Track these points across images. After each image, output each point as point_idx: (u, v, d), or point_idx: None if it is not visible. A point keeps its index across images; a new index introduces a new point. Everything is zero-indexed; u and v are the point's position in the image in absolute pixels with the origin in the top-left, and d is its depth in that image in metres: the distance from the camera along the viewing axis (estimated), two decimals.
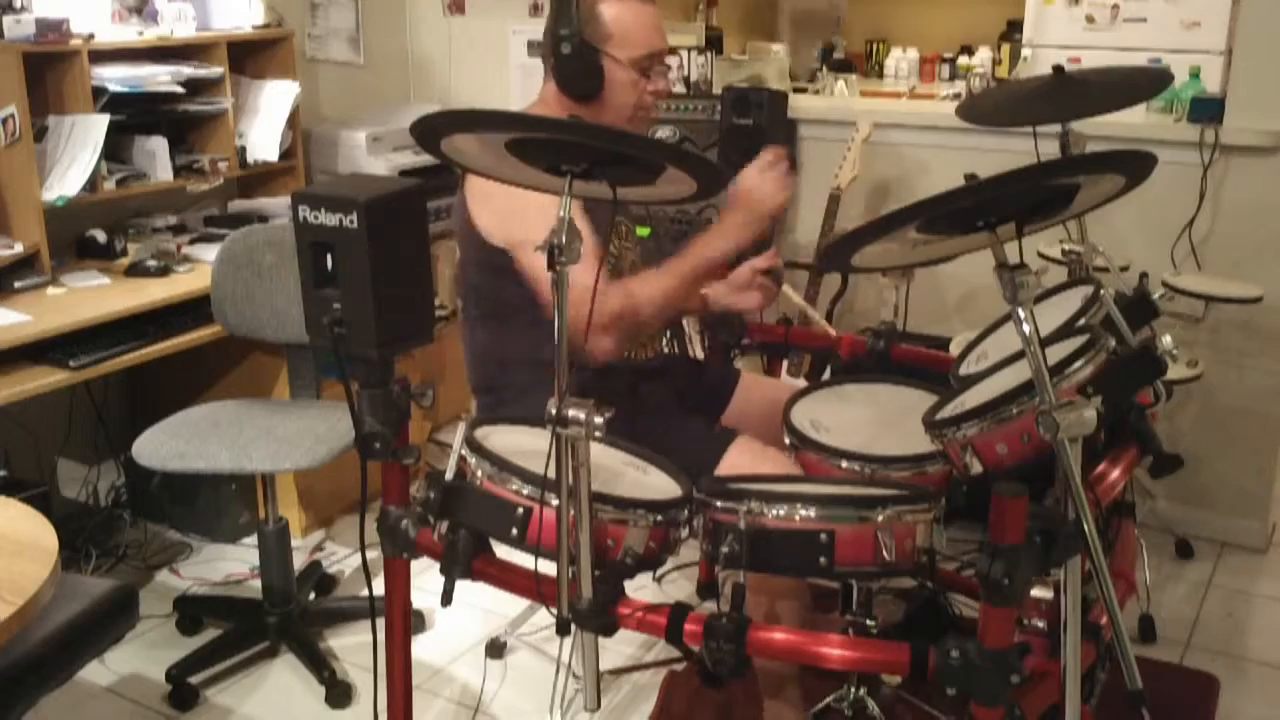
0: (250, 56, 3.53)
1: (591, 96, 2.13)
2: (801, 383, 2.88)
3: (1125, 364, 1.81)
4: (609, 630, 1.62)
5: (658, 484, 1.79)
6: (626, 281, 2.08)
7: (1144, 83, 2.50)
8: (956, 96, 4.85)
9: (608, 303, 1.97)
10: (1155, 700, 1.59)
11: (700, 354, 3.03)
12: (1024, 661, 1.50)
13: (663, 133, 3.57)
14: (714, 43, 4.33)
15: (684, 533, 1.72)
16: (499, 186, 1.92)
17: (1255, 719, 2.56)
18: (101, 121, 2.97)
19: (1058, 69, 2.36)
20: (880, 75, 6.12)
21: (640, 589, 2.51)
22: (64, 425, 3.28)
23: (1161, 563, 3.19)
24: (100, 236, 3.19)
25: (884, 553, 1.60)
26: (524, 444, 1.76)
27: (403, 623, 1.97)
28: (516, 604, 2.79)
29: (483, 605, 2.93)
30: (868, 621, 1.89)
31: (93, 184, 2.98)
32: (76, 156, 2.97)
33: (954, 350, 2.61)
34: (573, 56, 2.09)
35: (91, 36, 3.00)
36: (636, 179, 1.60)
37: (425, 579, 2.28)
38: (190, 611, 2.90)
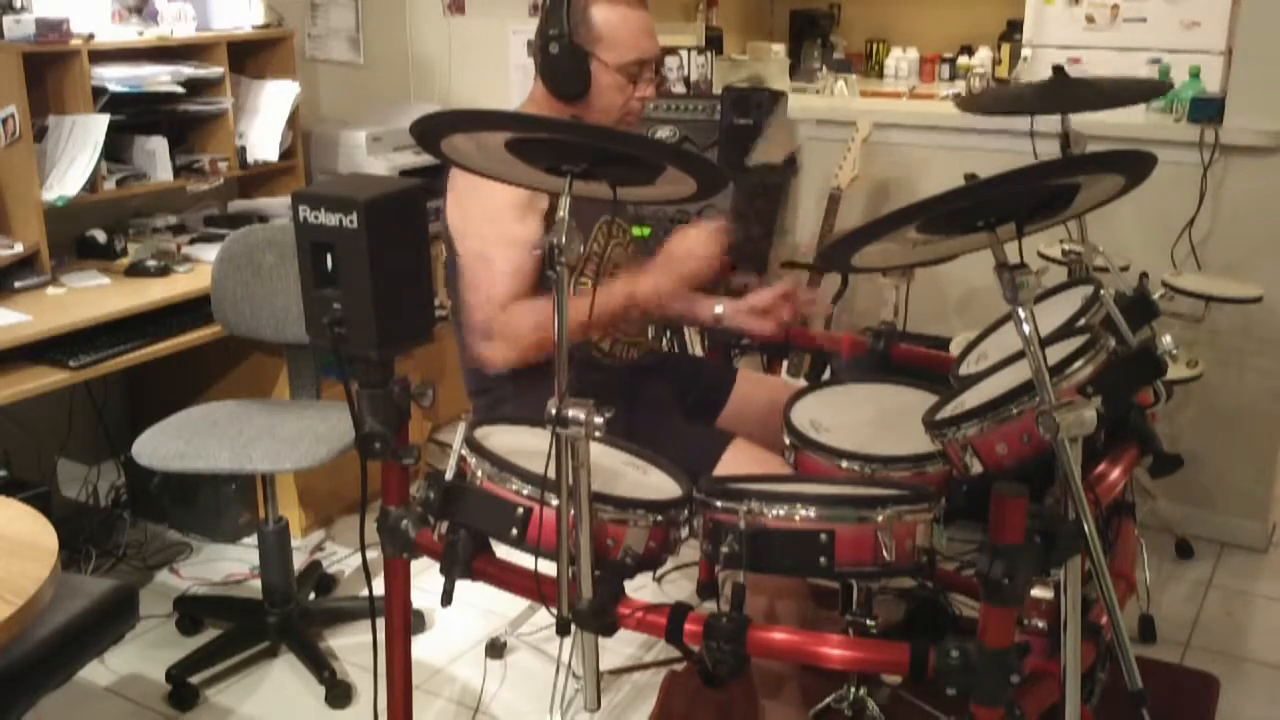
0: (250, 56, 3.53)
1: (576, 98, 2.13)
2: (801, 382, 2.88)
3: (1125, 364, 1.81)
4: (609, 630, 1.62)
5: (658, 484, 1.79)
6: (545, 303, 2.05)
7: (1143, 86, 2.51)
8: (956, 96, 4.86)
9: (527, 319, 2.01)
10: (1155, 700, 1.59)
11: (700, 353, 3.03)
12: (1024, 661, 1.50)
13: (663, 133, 3.58)
14: (714, 43, 4.34)
15: (684, 533, 1.72)
16: (466, 183, 1.93)
17: (1255, 719, 2.56)
18: (101, 121, 2.97)
19: (1057, 69, 2.36)
20: (880, 75, 6.13)
21: (640, 589, 2.51)
22: (64, 425, 3.28)
23: (1161, 563, 3.19)
24: (100, 236, 3.19)
25: (884, 553, 1.60)
26: (524, 444, 1.76)
27: (403, 623, 1.97)
28: (516, 604, 2.79)
29: (483, 605, 2.93)
30: (868, 621, 1.89)
31: (93, 184, 2.98)
32: (76, 156, 2.97)
33: (954, 350, 2.61)
34: (560, 57, 2.10)
35: (91, 36, 3.00)
36: (636, 179, 1.60)
37: (425, 579, 2.28)
38: (190, 611, 2.90)
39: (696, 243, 2.08)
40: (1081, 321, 1.99)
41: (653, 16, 2.19)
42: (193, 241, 3.32)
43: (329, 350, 1.72)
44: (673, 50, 3.64)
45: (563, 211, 1.53)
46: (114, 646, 2.29)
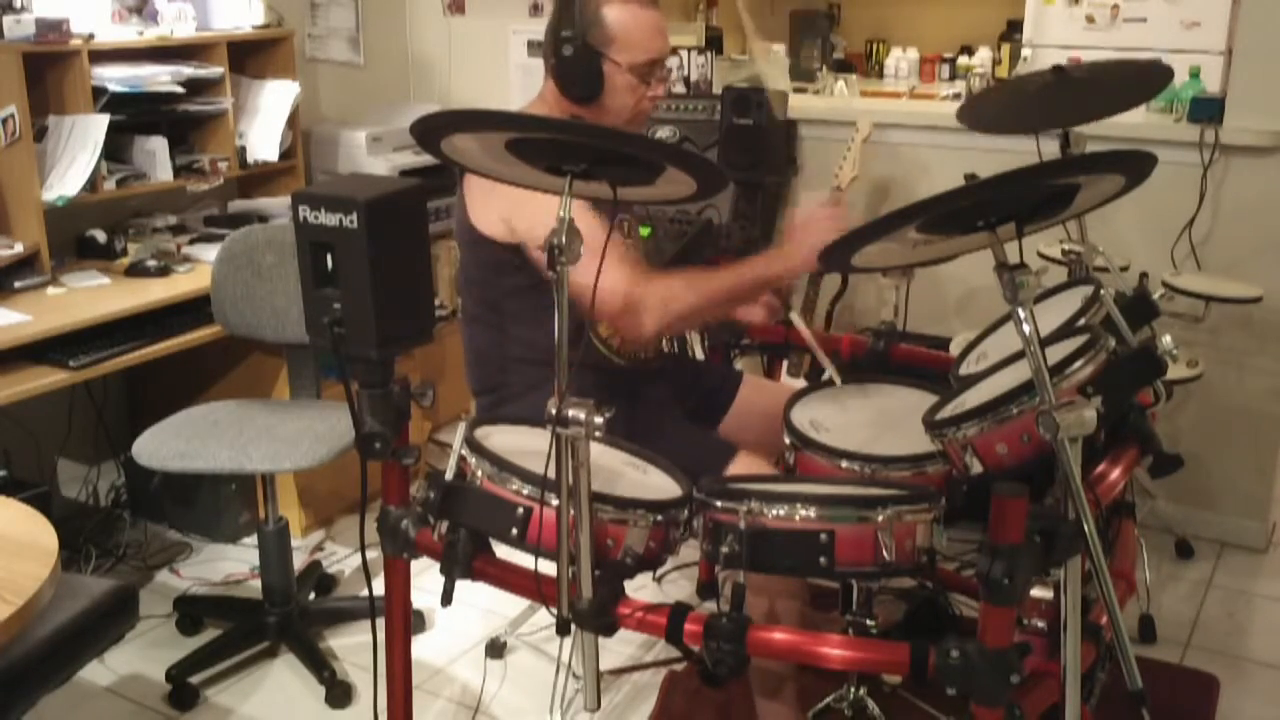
0: (250, 56, 3.53)
1: (590, 99, 2.13)
2: (801, 383, 2.88)
3: (1125, 364, 1.81)
4: (609, 630, 1.62)
5: (658, 484, 1.79)
6: (683, 274, 2.08)
7: (1144, 80, 2.50)
8: (956, 96, 4.86)
9: (664, 287, 2.00)
10: (1155, 700, 1.59)
11: (701, 354, 3.03)
12: (1024, 661, 1.50)
13: (663, 133, 3.58)
14: (714, 43, 4.33)
15: (684, 533, 1.72)
16: (526, 199, 1.92)
17: (1255, 719, 2.56)
18: (101, 121, 2.97)
19: (1058, 68, 2.36)
20: (880, 75, 6.13)
21: (640, 589, 2.51)
22: (64, 425, 3.28)
23: (1161, 563, 3.19)
24: (100, 236, 3.19)
25: (884, 553, 1.60)
26: (524, 444, 1.76)
27: (403, 623, 1.97)
28: (516, 604, 2.79)
29: (483, 605, 2.93)
30: (868, 621, 1.89)
31: (93, 184, 2.98)
32: (76, 156, 2.97)
33: (954, 350, 2.61)
34: (574, 59, 2.09)
35: (91, 36, 3.00)
36: (636, 179, 1.60)
37: (425, 579, 2.28)
38: (190, 611, 2.90)
39: (821, 217, 2.09)
40: (1081, 321, 1.99)
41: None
42: (193, 241, 3.32)
43: (329, 350, 1.72)
44: (673, 50, 3.64)
45: (563, 211, 1.53)
46: (114, 646, 2.28)
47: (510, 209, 2.05)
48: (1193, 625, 2.91)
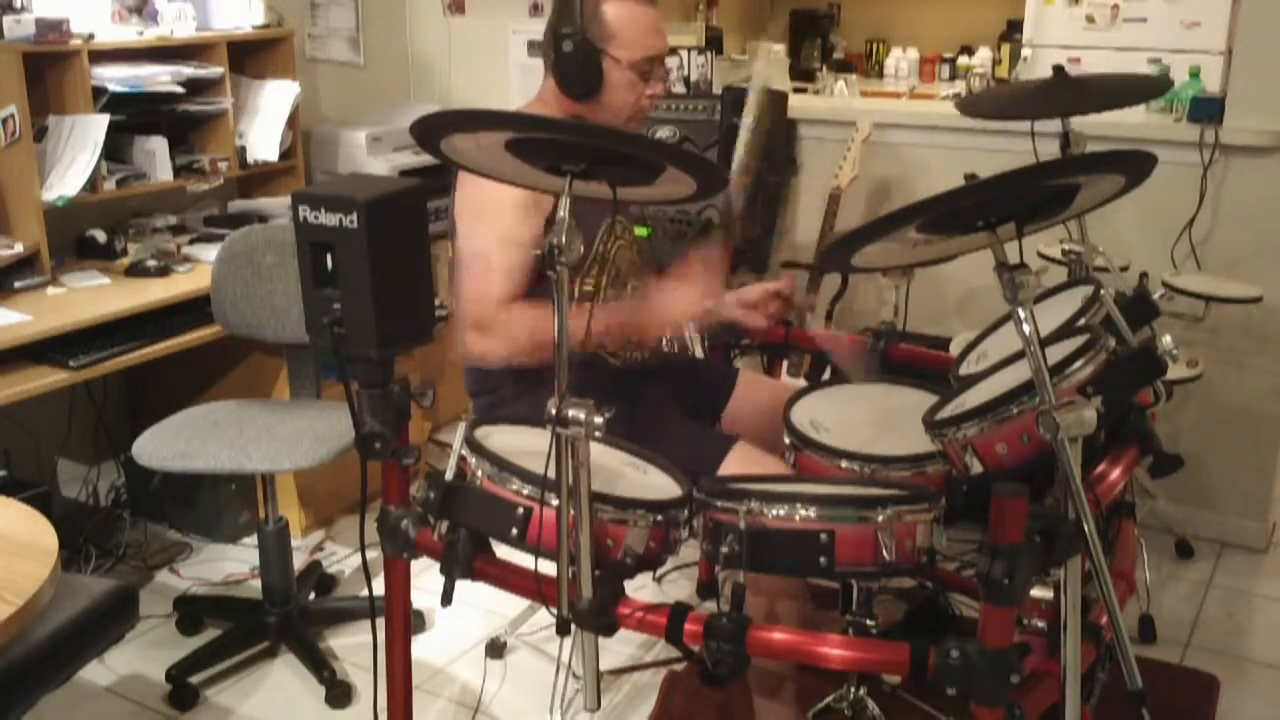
0: (250, 56, 3.53)
1: (589, 96, 2.13)
2: (801, 383, 2.88)
3: (1125, 364, 1.81)
4: (609, 630, 1.62)
5: (658, 484, 1.79)
6: (545, 310, 2.08)
7: (1144, 86, 2.51)
8: (956, 96, 4.86)
9: (525, 323, 2.01)
10: (1155, 700, 1.59)
11: (700, 353, 3.03)
12: (1024, 661, 1.50)
13: (663, 133, 3.58)
14: (714, 43, 4.33)
15: (684, 533, 1.72)
16: (472, 178, 1.94)
17: (1255, 719, 2.56)
18: (101, 121, 2.97)
19: (1058, 69, 2.37)
20: (880, 75, 6.13)
21: (640, 589, 2.51)
22: (64, 425, 3.28)
23: (1161, 563, 3.19)
24: (100, 236, 3.19)
25: (884, 553, 1.60)
26: (524, 444, 1.76)
27: (403, 623, 1.97)
28: (516, 604, 2.79)
29: (483, 605, 2.93)
30: (868, 621, 1.89)
31: (93, 184, 2.98)
32: (76, 156, 2.97)
33: (954, 350, 2.61)
34: (573, 55, 2.10)
35: (91, 36, 3.00)
36: (636, 179, 1.60)
37: (425, 579, 2.28)
38: (190, 611, 2.90)
39: (687, 296, 2.11)
40: (1081, 321, 1.99)
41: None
42: (193, 241, 3.32)
43: (329, 350, 1.72)
44: (673, 50, 3.63)
45: (563, 211, 1.53)
46: (114, 646, 2.28)
47: (465, 204, 2.09)
48: (1193, 625, 2.91)
